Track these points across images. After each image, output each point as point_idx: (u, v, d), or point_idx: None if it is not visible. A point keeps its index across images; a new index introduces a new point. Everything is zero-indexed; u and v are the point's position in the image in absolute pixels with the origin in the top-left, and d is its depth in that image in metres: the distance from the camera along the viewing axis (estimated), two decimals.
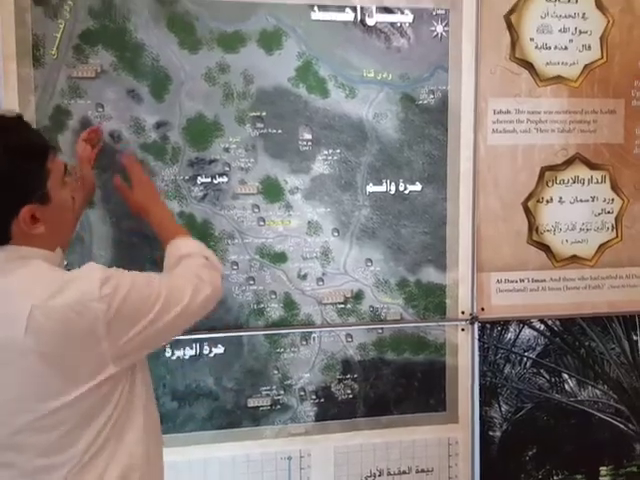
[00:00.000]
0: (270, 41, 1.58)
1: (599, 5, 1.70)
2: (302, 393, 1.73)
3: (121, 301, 0.93)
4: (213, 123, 1.58)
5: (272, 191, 1.64)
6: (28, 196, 0.93)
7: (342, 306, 1.71)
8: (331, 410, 1.74)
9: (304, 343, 1.71)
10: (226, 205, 1.61)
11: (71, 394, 0.91)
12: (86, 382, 0.92)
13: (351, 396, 1.75)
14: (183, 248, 1.20)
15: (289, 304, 1.69)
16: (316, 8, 1.58)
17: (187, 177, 1.59)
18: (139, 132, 1.57)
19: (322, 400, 1.73)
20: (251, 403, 1.70)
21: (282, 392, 1.72)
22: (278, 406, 1.72)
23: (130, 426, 0.99)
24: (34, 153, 0.95)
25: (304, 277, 1.69)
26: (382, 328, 1.74)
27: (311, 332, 1.71)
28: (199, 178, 1.60)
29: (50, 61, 1.50)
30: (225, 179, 1.61)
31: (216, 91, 1.58)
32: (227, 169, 1.61)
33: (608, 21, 1.71)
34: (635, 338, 1.89)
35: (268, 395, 1.71)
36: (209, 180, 1.60)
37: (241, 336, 1.68)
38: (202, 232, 1.60)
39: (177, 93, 1.56)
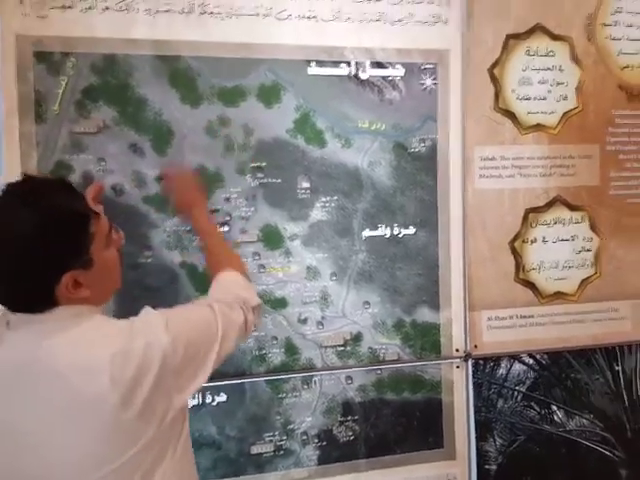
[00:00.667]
0: (269, 95, 1.66)
1: (574, 58, 1.85)
2: (304, 437, 1.77)
3: (184, 339, 0.98)
4: (214, 174, 1.65)
5: (272, 238, 1.71)
6: (70, 263, 0.92)
7: (342, 348, 1.78)
8: (333, 453, 1.79)
9: (305, 387, 1.76)
10: None
11: (149, 434, 0.93)
12: (158, 421, 0.95)
13: (352, 438, 1.80)
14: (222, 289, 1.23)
15: (290, 349, 1.75)
16: (312, 64, 1.68)
17: (189, 227, 1.64)
18: (141, 185, 1.61)
19: (324, 443, 1.78)
20: (254, 450, 1.73)
21: (285, 437, 1.75)
22: (281, 452, 1.75)
23: None
24: (75, 219, 0.94)
25: (304, 321, 1.75)
26: (380, 369, 1.82)
27: (312, 376, 1.77)
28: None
29: (52, 117, 1.54)
30: (226, 228, 1.67)
31: (217, 144, 1.64)
32: (228, 218, 1.67)
33: (583, 73, 1.87)
34: (617, 368, 2.01)
35: (271, 441, 1.74)
36: None
37: (243, 383, 1.71)
38: (204, 281, 1.64)
39: (179, 146, 1.62)
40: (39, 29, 1.52)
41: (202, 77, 1.62)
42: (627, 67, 1.91)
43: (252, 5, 1.62)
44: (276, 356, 1.74)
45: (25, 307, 0.93)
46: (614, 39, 1.88)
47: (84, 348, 0.92)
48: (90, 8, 1.53)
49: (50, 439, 0.90)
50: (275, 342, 1.73)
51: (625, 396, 2.03)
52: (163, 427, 0.96)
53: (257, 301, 1.23)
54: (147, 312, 1.00)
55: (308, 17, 1.66)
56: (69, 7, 1.52)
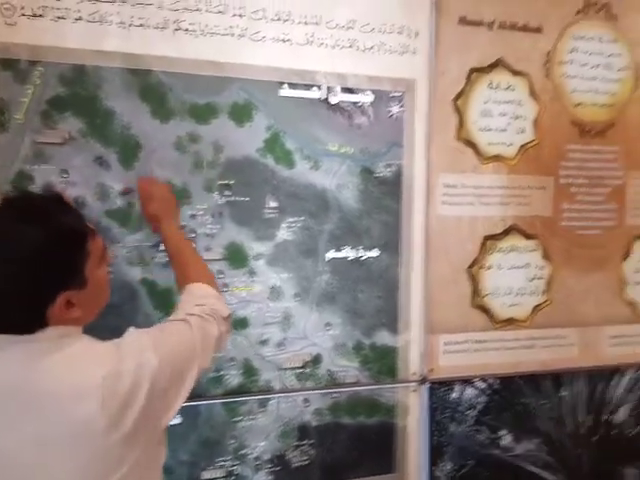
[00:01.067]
0: (241, 114, 1.76)
1: (532, 94, 2.05)
2: (257, 462, 1.85)
3: (170, 359, 1.04)
4: (181, 190, 1.73)
5: (237, 257, 1.80)
6: (66, 282, 0.96)
7: (301, 371, 1.88)
8: (287, 478, 1.88)
9: (262, 409, 1.85)
10: None
11: (135, 456, 0.98)
12: (145, 443, 1.00)
13: (307, 462, 1.90)
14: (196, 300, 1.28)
15: (249, 370, 1.83)
16: (285, 85, 1.79)
17: (151, 243, 1.71)
18: (104, 199, 1.67)
19: (278, 468, 1.87)
20: (205, 476, 1.80)
21: (237, 462, 1.83)
22: (232, 477, 1.83)
23: None
24: (75, 238, 0.98)
25: (265, 342, 1.84)
26: (339, 392, 1.93)
27: (269, 398, 1.86)
28: (162, 245, 1.72)
29: (15, 125, 1.58)
30: None
31: (186, 159, 1.72)
32: (193, 235, 1.74)
33: (540, 108, 2.07)
34: (562, 394, 2.22)
35: (222, 467, 1.82)
36: None
37: (199, 405, 1.78)
38: (164, 298, 1.72)
39: (147, 161, 1.68)
40: (7, 36, 1.55)
41: (174, 92, 1.70)
42: (580, 104, 2.13)
43: (227, 25, 1.72)
44: (234, 378, 1.82)
45: (14, 328, 0.96)
46: (569, 77, 2.09)
47: (75, 370, 0.96)
48: (62, 18, 1.59)
49: (37, 460, 0.94)
50: (233, 363, 1.82)
51: (569, 421, 2.23)
52: (148, 450, 1.02)
53: (228, 312, 1.30)
54: (131, 333, 1.06)
55: (282, 40, 1.77)
56: (40, 15, 1.57)
